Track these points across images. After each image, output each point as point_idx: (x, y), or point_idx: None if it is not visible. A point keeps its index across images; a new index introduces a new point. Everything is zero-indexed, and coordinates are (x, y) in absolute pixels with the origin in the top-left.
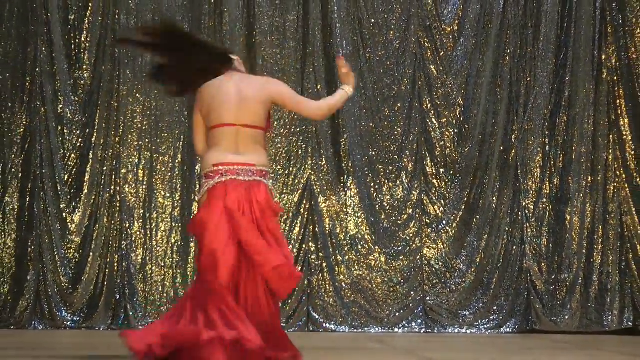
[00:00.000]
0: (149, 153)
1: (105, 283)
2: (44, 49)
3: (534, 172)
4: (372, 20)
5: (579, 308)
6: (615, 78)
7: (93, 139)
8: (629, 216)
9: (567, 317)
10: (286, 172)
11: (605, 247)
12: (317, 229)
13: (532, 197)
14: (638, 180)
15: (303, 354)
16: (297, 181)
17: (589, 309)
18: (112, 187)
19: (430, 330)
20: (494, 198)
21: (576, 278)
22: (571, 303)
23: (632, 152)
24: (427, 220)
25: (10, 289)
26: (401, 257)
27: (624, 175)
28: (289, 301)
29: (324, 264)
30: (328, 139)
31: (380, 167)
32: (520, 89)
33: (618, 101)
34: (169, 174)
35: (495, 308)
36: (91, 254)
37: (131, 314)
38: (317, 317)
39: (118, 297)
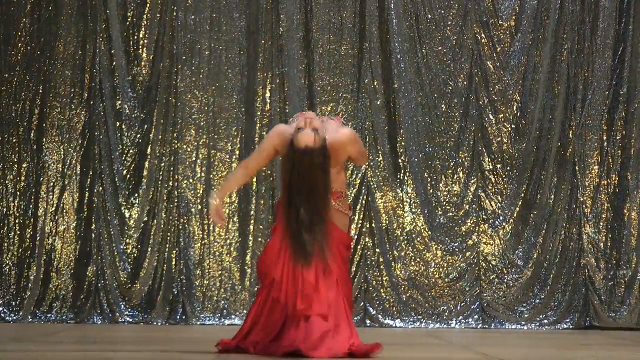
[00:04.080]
0: (206, 149)
1: (163, 278)
2: (102, 45)
3: (591, 168)
4: (429, 16)
5: (637, 304)
6: None
7: (151, 135)
8: None
9: (625, 313)
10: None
11: None
12: (373, 225)
13: (590, 193)
14: None
15: None
16: (353, 177)
17: None
18: (170, 183)
19: (487, 326)
20: (551, 194)
21: (635, 274)
22: (630, 299)
23: None
24: (483, 216)
25: (70, 284)
26: (458, 253)
27: None
28: None
29: (381, 260)
30: (384, 135)
31: (436, 162)
32: (577, 85)
33: None
34: (227, 170)
35: (552, 304)
36: (149, 249)
37: (188, 309)
38: (373, 312)
39: (175, 292)
